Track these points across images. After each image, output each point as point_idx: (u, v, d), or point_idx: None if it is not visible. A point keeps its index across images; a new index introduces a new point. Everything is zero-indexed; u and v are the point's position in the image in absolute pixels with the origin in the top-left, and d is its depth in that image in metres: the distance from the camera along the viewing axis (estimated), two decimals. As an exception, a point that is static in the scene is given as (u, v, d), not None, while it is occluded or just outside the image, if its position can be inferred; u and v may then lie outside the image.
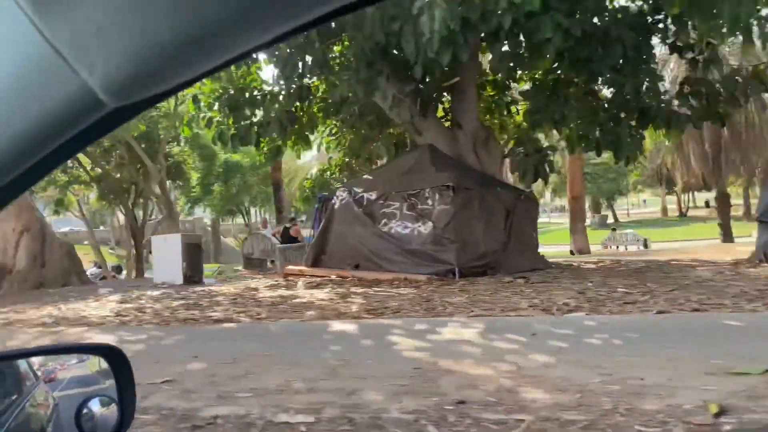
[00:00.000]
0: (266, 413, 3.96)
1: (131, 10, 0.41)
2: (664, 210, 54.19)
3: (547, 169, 10.77)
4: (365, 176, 12.18)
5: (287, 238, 15.89)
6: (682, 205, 52.34)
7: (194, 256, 12.14)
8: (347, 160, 14.76)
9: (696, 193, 54.34)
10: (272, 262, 16.18)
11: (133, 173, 25.60)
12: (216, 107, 13.03)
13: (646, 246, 29.53)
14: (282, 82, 12.57)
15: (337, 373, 4.68)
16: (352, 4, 0.44)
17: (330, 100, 13.58)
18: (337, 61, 11.20)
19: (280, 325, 6.72)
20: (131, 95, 0.46)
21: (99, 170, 26.42)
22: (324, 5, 0.42)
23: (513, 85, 13.95)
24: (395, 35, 8.88)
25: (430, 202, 10.23)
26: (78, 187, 27.12)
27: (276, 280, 11.44)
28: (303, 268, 11.64)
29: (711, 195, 56.74)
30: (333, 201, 11.32)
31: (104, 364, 0.99)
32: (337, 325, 6.39)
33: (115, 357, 0.99)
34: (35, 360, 1.06)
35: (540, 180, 10.91)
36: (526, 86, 13.15)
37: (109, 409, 0.99)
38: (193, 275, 11.98)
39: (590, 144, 10.40)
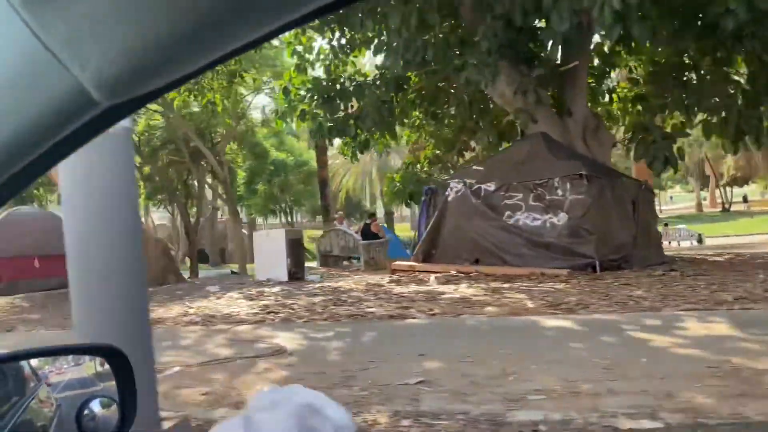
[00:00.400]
0: (590, 418, 3.49)
1: (125, 4, 0.40)
2: (699, 206, 53.35)
3: (677, 157, 10.22)
4: (475, 167, 11.66)
5: (368, 234, 15.42)
6: (724, 200, 51.49)
7: (297, 252, 11.72)
8: (437, 152, 14.24)
9: (731, 188, 53.53)
10: (350, 259, 15.73)
11: (182, 172, 25.36)
12: (307, 99, 12.60)
13: (700, 241, 28.78)
14: (383, 71, 12.13)
15: (620, 373, 4.20)
16: None
17: (423, 91, 13.11)
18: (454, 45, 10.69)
19: (475, 321, 6.25)
20: (125, 92, 0.45)
21: (147, 169, 26.25)
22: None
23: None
24: (536, 14, 8.40)
25: (560, 192, 9.72)
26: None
27: (385, 276, 10.98)
28: (412, 263, 11.16)
29: (746, 190, 56.04)
30: (447, 193, 10.81)
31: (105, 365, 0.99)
32: (548, 321, 5.91)
33: (115, 357, 0.98)
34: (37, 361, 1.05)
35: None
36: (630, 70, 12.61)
37: (110, 410, 0.98)
38: (296, 271, 11.55)
39: (728, 130, 9.81)
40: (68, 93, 0.45)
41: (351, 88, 12.58)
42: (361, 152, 14.12)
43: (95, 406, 0.99)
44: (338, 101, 12.56)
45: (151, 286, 11.64)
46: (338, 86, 12.60)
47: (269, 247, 11.51)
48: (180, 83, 0.49)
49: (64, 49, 0.42)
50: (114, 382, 0.96)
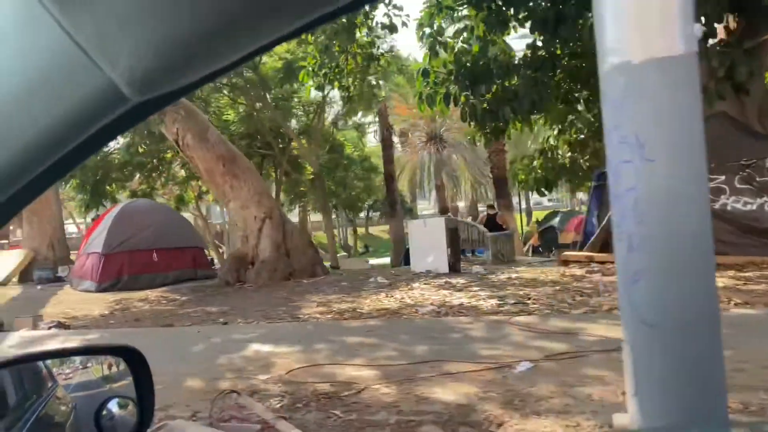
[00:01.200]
0: None
1: (153, 3, 0.41)
2: None
3: None
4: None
5: (493, 226, 14.72)
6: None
7: (456, 242, 11.03)
8: (581, 136, 13.46)
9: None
10: (473, 252, 15.05)
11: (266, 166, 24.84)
12: (447, 82, 11.89)
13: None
14: (533, 49, 11.41)
15: None
16: None
17: (575, 72, 12.35)
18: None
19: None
20: (154, 89, 0.46)
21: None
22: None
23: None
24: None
25: (772, 172, 8.94)
26: (197, 182, 26.35)
27: (558, 268, 10.26)
28: (589, 254, 10.43)
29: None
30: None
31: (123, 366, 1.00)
32: None
33: (133, 358, 0.99)
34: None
35: None
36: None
37: (128, 410, 0.98)
38: (455, 263, 10.88)
39: None
40: (100, 90, 0.46)
41: (496, 70, 11.84)
42: (497, 138, 13.42)
43: (113, 406, 0.99)
44: (482, 83, 11.83)
45: (300, 278, 11.03)
46: (485, 67, 11.86)
47: (427, 237, 10.84)
48: (210, 79, 0.49)
49: (94, 46, 0.43)
50: (133, 383, 0.98)
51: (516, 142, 24.35)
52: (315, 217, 43.06)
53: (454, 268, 10.77)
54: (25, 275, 16.02)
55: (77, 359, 1.08)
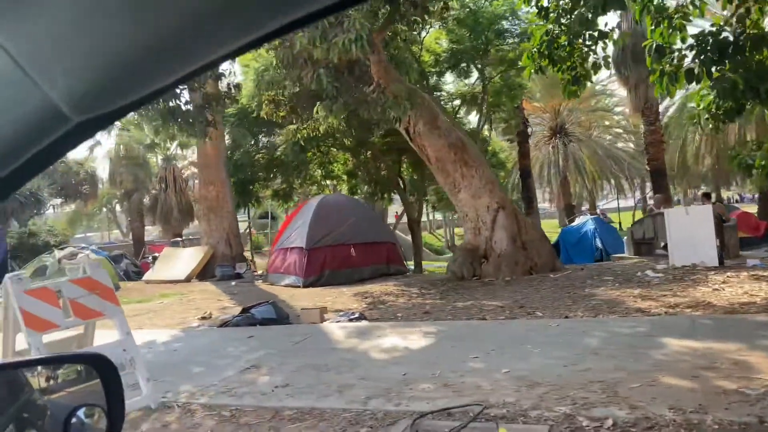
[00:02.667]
0: None
1: (88, 23, 0.41)
2: None
3: None
4: None
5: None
6: None
7: (723, 232, 9.97)
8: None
9: None
10: (665, 246, 13.81)
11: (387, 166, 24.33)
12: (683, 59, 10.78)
13: None
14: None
15: None
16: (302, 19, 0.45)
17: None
18: None
19: None
20: (94, 108, 0.47)
21: (351, 163, 25.50)
22: (281, 17, 0.42)
23: None
24: None
25: None
26: (333, 181, 26.20)
27: None
28: None
29: None
30: None
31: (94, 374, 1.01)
32: None
33: (104, 367, 0.99)
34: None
35: None
36: None
37: (97, 418, 0.99)
38: (723, 256, 9.80)
39: None
40: (40, 109, 0.46)
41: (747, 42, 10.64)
42: (731, 120, 12.20)
43: (83, 414, 0.99)
44: (733, 57, 10.64)
45: (545, 272, 10.24)
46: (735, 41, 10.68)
47: (690, 227, 9.83)
48: (151, 99, 0.48)
49: (32, 66, 0.44)
50: (102, 391, 0.97)
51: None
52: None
53: (721, 261, 9.72)
54: (204, 272, 16.00)
55: (53, 367, 1.12)
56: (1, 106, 0.48)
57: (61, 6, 0.41)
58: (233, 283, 14.15)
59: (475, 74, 20.46)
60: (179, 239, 23.70)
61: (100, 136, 30.71)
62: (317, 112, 9.48)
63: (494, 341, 5.78)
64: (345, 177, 26.44)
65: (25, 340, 4.79)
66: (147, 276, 16.58)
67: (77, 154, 32.15)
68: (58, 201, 27.20)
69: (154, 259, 18.44)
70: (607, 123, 37.53)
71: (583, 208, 35.36)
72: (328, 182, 26.18)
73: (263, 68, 15.22)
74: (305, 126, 13.05)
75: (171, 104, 10.36)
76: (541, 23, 11.50)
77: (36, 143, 0.50)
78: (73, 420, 0.99)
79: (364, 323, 7.30)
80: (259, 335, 7.08)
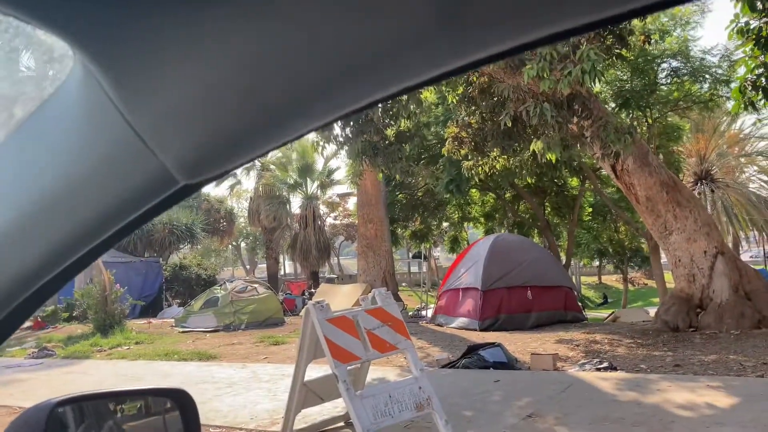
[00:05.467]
0: None
1: (205, 102, 0.47)
2: None
3: None
4: None
5: None
6: None
7: None
8: None
9: None
10: None
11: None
12: None
13: None
14: None
15: None
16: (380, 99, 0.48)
17: None
18: None
19: None
20: (201, 173, 0.52)
21: (489, 205, 25.07)
22: (369, 98, 0.47)
23: None
24: None
25: None
26: (469, 223, 25.87)
27: None
28: None
29: None
30: None
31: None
32: None
33: (184, 401, 1.08)
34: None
35: None
36: None
37: None
38: None
39: None
40: (152, 173, 0.52)
41: None
42: None
43: None
44: None
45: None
46: None
47: None
48: (246, 163, 0.54)
49: (151, 135, 0.49)
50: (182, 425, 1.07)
51: None
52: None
53: None
54: (361, 310, 15.85)
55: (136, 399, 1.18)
56: (118, 172, 0.53)
57: (183, 85, 0.46)
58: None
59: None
60: (334, 276, 23.94)
61: (240, 174, 32.07)
62: (533, 147, 9.09)
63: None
64: (482, 219, 26.05)
65: (331, 369, 4.56)
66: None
67: (218, 191, 33.76)
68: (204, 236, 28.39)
69: (311, 295, 18.58)
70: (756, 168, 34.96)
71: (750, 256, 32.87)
72: (464, 224, 25.85)
73: (433, 103, 15.21)
74: (482, 162, 12.74)
75: (372, 140, 10.34)
76: (749, 54, 10.65)
77: (143, 204, 0.56)
78: None
79: (621, 373, 6.66)
80: (505, 380, 6.60)
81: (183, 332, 14.13)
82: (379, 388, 4.99)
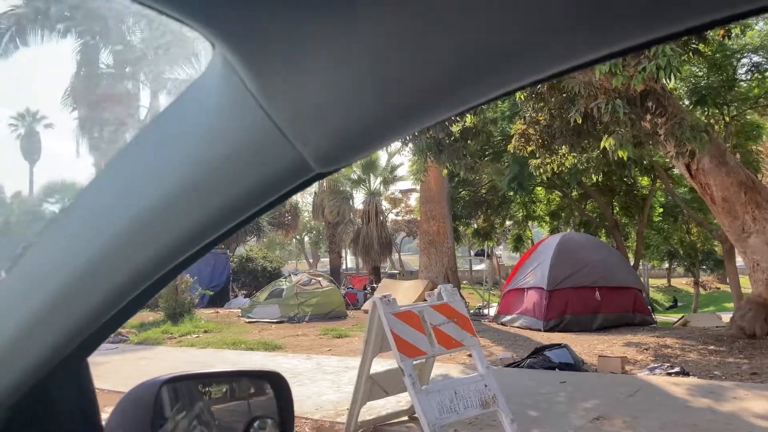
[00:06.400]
0: None
1: (346, 93, 0.48)
2: None
3: None
4: None
5: None
6: None
7: None
8: None
9: None
10: None
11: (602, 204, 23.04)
12: None
13: None
14: None
15: None
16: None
17: None
18: None
19: None
20: (335, 163, 0.54)
21: (555, 204, 24.60)
22: (497, 91, 0.48)
23: None
24: None
25: None
26: (534, 222, 25.46)
27: None
28: None
29: None
30: None
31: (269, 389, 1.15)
32: None
33: (278, 383, 1.14)
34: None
35: None
36: None
37: (268, 430, 1.10)
38: None
39: None
40: (288, 162, 0.54)
41: None
42: None
43: (258, 425, 1.09)
44: None
45: None
46: None
47: None
48: (375, 151, 0.58)
49: (290, 126, 0.51)
50: (276, 406, 1.11)
51: None
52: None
53: None
54: (423, 306, 15.87)
55: (226, 381, 1.22)
56: (254, 160, 0.55)
57: (322, 78, 0.47)
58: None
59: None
60: (396, 272, 24.12)
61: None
62: (604, 145, 8.87)
63: None
64: (547, 217, 25.56)
65: (397, 363, 4.61)
66: (365, 306, 16.82)
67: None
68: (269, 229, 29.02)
69: (373, 290, 18.75)
70: None
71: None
72: (529, 223, 25.47)
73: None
74: (549, 161, 12.52)
75: (437, 136, 10.34)
76: None
77: (276, 191, 0.59)
78: (251, 430, 1.07)
79: (693, 379, 6.44)
80: (572, 381, 6.50)
81: (249, 322, 14.54)
82: (444, 384, 5.02)
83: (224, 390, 1.22)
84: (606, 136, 8.88)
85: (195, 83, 0.60)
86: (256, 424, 1.10)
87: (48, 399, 0.90)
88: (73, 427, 0.93)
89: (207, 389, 1.19)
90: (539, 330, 11.76)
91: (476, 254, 26.17)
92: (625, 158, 9.28)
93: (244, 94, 0.51)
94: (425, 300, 5.27)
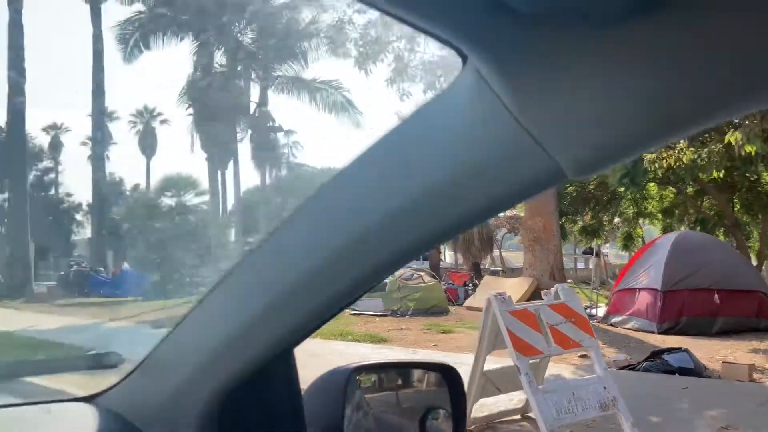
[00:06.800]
0: None
1: (606, 109, 0.48)
2: None
3: None
4: None
5: None
6: None
7: None
8: None
9: None
10: None
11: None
12: None
13: None
14: None
15: None
16: None
17: None
18: None
19: None
20: (591, 171, 0.55)
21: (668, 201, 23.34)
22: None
23: None
24: None
25: None
26: (645, 219, 24.29)
27: None
28: None
29: None
30: None
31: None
32: None
33: (450, 375, 1.17)
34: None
35: None
36: None
37: (441, 421, 1.15)
38: None
39: None
40: (542, 170, 0.54)
41: None
42: None
43: (434, 415, 1.14)
44: None
45: None
46: None
47: None
48: (628, 159, 0.57)
49: (546, 136, 0.51)
50: (448, 397, 1.15)
51: None
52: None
53: None
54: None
55: (406, 370, 1.29)
56: (506, 168, 0.56)
57: (583, 92, 0.48)
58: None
59: None
60: (498, 269, 23.92)
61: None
62: (729, 139, 8.37)
63: None
64: (659, 215, 24.31)
65: (513, 362, 4.60)
66: (468, 302, 16.75)
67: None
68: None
69: (475, 286, 18.66)
70: None
71: None
72: (640, 220, 24.34)
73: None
74: (666, 155, 11.93)
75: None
76: None
77: (526, 196, 0.60)
78: (427, 421, 1.13)
79: None
80: (694, 387, 6.20)
81: (353, 314, 14.88)
82: (560, 384, 4.96)
83: (396, 381, 1.25)
84: (732, 129, 8.36)
85: (442, 94, 0.63)
86: (430, 415, 1.14)
87: (263, 381, 1.00)
88: (280, 402, 1.04)
89: (379, 377, 1.24)
90: (653, 332, 11.26)
91: (584, 252, 25.33)
92: (753, 153, 8.69)
93: (496, 105, 0.52)
94: (531, 299, 5.21)
